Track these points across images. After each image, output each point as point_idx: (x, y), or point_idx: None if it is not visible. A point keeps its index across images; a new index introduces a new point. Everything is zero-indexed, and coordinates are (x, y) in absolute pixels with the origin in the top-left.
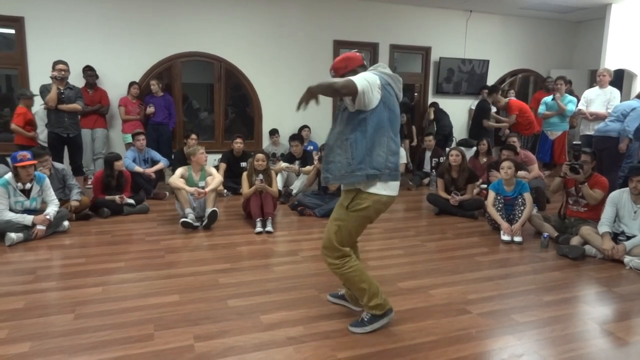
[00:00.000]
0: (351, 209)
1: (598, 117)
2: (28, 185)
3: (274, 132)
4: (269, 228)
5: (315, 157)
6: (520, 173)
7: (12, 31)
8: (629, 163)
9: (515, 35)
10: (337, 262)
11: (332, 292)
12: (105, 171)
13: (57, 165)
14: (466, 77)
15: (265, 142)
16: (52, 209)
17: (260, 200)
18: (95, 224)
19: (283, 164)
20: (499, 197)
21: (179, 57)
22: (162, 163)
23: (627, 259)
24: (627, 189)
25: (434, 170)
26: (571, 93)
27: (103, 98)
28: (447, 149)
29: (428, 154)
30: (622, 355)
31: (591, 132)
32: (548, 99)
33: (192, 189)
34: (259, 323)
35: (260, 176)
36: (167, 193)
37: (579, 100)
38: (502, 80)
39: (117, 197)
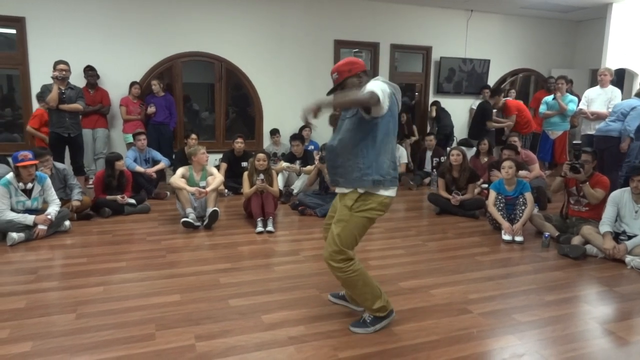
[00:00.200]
0: (355, 210)
1: (599, 117)
2: (29, 185)
3: (274, 132)
4: (270, 228)
5: (316, 157)
6: (521, 173)
7: (14, 31)
8: (627, 162)
9: (516, 34)
10: (341, 265)
11: (333, 292)
12: (106, 171)
13: (58, 165)
14: (467, 76)
15: (266, 141)
16: (53, 208)
17: (261, 200)
18: (97, 223)
19: (284, 164)
20: (500, 197)
21: (179, 57)
22: (163, 163)
23: (628, 258)
24: (628, 188)
25: (434, 170)
26: (571, 93)
27: (104, 98)
28: (448, 149)
29: (429, 153)
30: (623, 355)
31: (592, 132)
32: (549, 98)
33: (193, 189)
34: (260, 323)
35: (261, 176)
36: (168, 193)
37: (579, 99)
38: (503, 79)
39: (118, 197)
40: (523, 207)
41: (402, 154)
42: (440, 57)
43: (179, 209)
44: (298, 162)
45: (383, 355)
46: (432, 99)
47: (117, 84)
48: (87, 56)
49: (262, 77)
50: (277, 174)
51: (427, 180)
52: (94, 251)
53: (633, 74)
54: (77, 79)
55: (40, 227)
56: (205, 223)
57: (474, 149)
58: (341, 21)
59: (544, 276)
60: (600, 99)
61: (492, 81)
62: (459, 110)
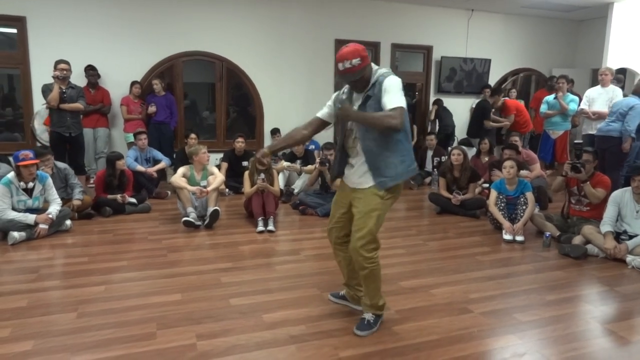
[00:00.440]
0: (386, 197)
1: (601, 117)
2: (30, 185)
3: (275, 131)
4: (270, 227)
5: (317, 159)
6: (522, 172)
7: (14, 31)
8: (627, 162)
9: (517, 34)
10: (372, 255)
11: (334, 291)
12: (107, 170)
13: (59, 164)
14: (468, 76)
15: (267, 141)
16: (54, 208)
17: (262, 199)
18: (98, 223)
19: (285, 163)
20: (501, 197)
21: (180, 57)
22: (164, 162)
23: (629, 258)
24: (629, 188)
25: (435, 170)
26: (572, 92)
27: (105, 97)
28: (449, 148)
29: (430, 153)
30: (624, 355)
31: (593, 132)
32: (550, 97)
33: (194, 188)
34: (261, 322)
35: (262, 175)
36: (169, 192)
37: (580, 99)
38: (503, 79)
39: (119, 196)
40: (524, 207)
41: None
42: (441, 57)
43: (180, 208)
44: (299, 161)
45: (384, 355)
46: (432, 98)
47: (117, 84)
48: (87, 55)
49: (263, 76)
50: (278, 174)
51: (428, 179)
52: (95, 250)
53: (634, 73)
54: (78, 79)
55: (42, 226)
56: (206, 222)
57: (474, 148)
58: (342, 20)
59: (545, 276)
60: (601, 99)
61: (492, 81)
62: (460, 109)
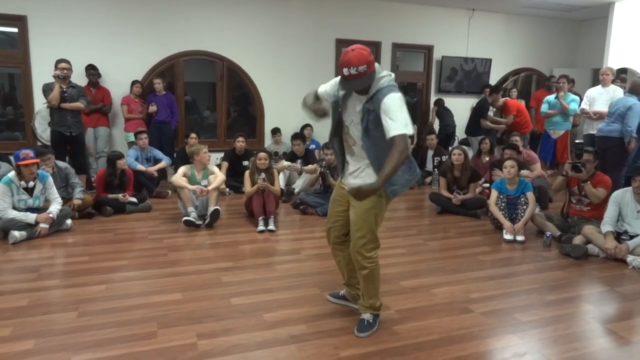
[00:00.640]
0: (385, 197)
1: (602, 116)
2: (31, 184)
3: (276, 131)
4: (271, 227)
5: (318, 159)
6: (523, 172)
7: (15, 30)
8: (627, 162)
9: (517, 34)
10: (372, 254)
11: (333, 292)
12: (107, 170)
13: (60, 163)
14: (468, 76)
15: (268, 140)
16: (55, 207)
17: (262, 198)
18: (98, 222)
19: (285, 163)
20: (501, 196)
21: (181, 56)
22: (165, 161)
23: (629, 258)
24: (630, 188)
25: (436, 169)
26: (573, 92)
27: (105, 97)
28: (450, 148)
29: (430, 152)
30: (625, 355)
31: (594, 132)
32: (551, 97)
33: (194, 187)
34: (262, 321)
35: (263, 175)
36: (170, 192)
37: (581, 99)
38: (504, 79)
39: (119, 196)
40: (524, 207)
41: None
42: (442, 56)
43: (181, 207)
44: (299, 161)
45: (384, 354)
46: (433, 98)
47: (118, 83)
48: (88, 55)
49: (264, 76)
50: (279, 173)
51: (428, 179)
52: (96, 249)
53: (635, 73)
54: (79, 78)
55: (42, 225)
56: (206, 222)
57: (470, 147)
58: (343, 20)
59: (546, 276)
60: (602, 99)
61: (493, 80)
62: (460, 109)
